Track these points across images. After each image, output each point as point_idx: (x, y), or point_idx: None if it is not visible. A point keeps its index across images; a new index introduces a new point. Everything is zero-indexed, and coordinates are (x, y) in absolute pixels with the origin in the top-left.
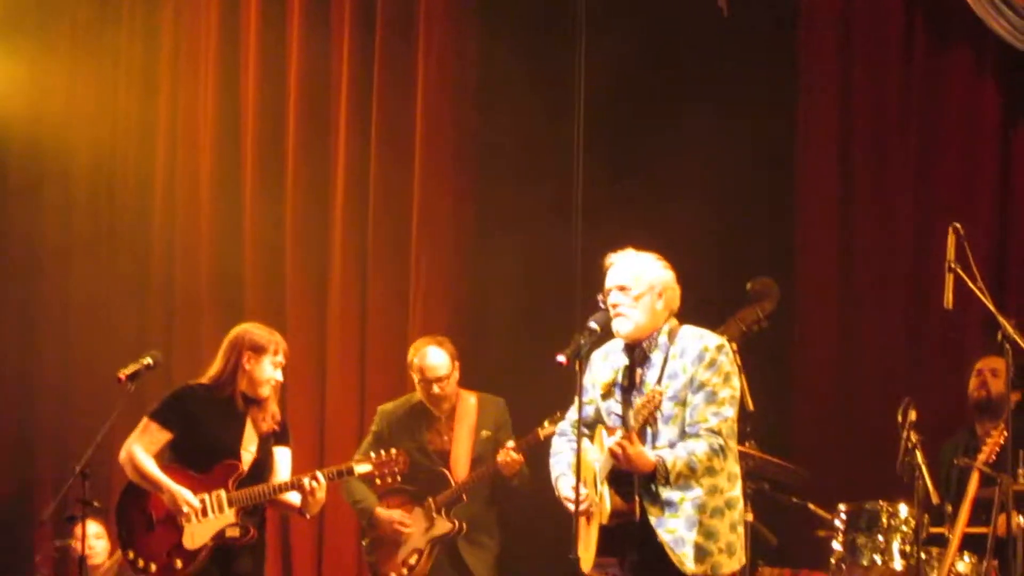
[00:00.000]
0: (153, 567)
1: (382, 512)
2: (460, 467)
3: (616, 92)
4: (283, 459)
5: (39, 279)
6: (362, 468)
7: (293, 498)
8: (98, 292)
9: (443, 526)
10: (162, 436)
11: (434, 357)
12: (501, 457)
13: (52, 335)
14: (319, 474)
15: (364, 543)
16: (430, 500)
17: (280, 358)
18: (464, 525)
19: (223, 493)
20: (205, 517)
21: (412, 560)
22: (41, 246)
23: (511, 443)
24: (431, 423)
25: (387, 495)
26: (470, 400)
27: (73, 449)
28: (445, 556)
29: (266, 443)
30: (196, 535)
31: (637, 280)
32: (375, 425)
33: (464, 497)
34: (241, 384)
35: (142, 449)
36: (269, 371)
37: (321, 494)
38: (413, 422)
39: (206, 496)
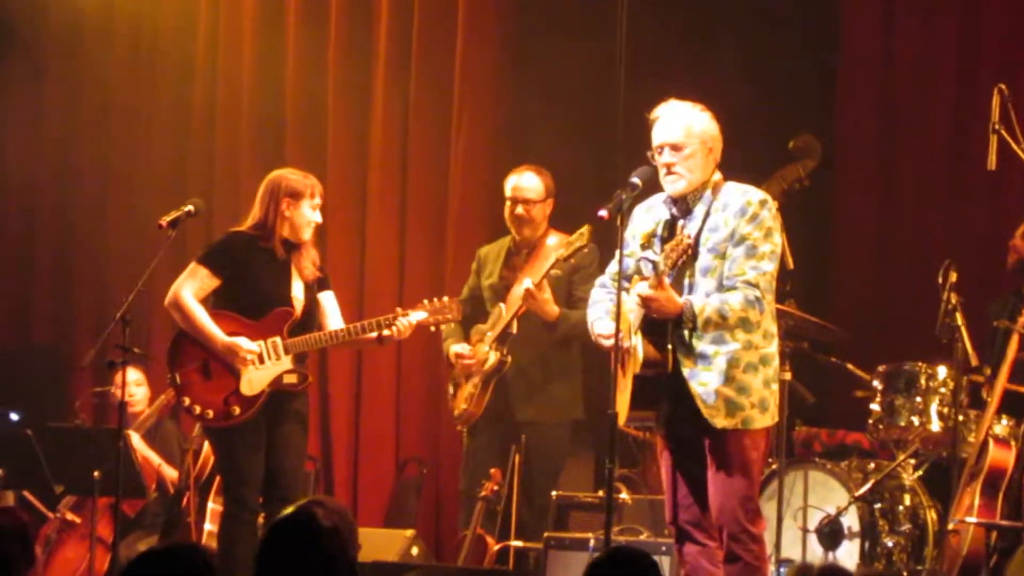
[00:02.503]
0: (211, 413)
1: (452, 348)
2: (515, 301)
3: None
4: (330, 303)
5: (80, 121)
6: (417, 315)
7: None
8: (139, 138)
9: (492, 359)
10: (211, 282)
11: (527, 179)
12: (517, 290)
13: (92, 178)
14: (374, 322)
15: (450, 386)
16: (489, 334)
17: (317, 200)
18: (508, 359)
19: (279, 340)
20: (263, 364)
21: (469, 393)
22: (81, 90)
23: (530, 279)
24: (512, 259)
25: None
26: (552, 239)
27: (114, 295)
28: (498, 399)
29: (311, 289)
30: (254, 381)
31: (689, 137)
32: (473, 264)
33: (514, 329)
34: (283, 231)
35: (191, 295)
36: (309, 214)
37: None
38: (495, 258)
39: (262, 342)
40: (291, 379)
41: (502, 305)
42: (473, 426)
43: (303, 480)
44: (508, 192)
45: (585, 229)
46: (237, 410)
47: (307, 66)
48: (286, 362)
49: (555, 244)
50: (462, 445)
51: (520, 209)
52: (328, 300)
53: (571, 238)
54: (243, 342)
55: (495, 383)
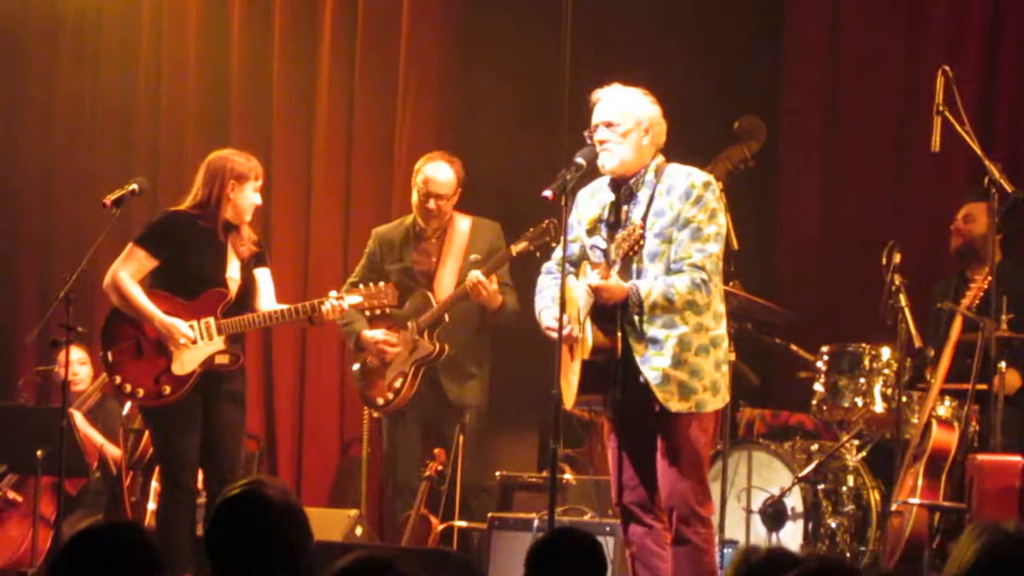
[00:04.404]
0: (141, 392)
1: (367, 333)
2: (444, 289)
3: None
4: (264, 281)
5: (25, 103)
6: (352, 299)
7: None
8: (84, 119)
9: (425, 348)
10: (149, 263)
11: (443, 172)
12: (469, 280)
13: (37, 158)
14: (308, 305)
15: (354, 369)
16: (412, 322)
17: (260, 182)
18: (446, 347)
19: (212, 320)
20: (195, 344)
21: (397, 383)
22: (27, 74)
23: (478, 271)
24: (420, 244)
25: (374, 319)
26: (463, 223)
27: (58, 274)
28: (426, 383)
29: (248, 267)
30: (186, 362)
31: (624, 116)
32: (368, 246)
33: (446, 318)
34: (226, 213)
35: (129, 276)
36: (252, 197)
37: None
38: (402, 243)
39: (195, 323)
40: (223, 359)
41: (427, 292)
42: (395, 413)
43: (241, 460)
44: (419, 182)
45: (547, 224)
46: (168, 390)
47: (252, 47)
48: (219, 342)
49: (467, 229)
50: (380, 433)
51: (432, 204)
52: (263, 277)
53: (534, 231)
54: (180, 325)
55: (424, 370)
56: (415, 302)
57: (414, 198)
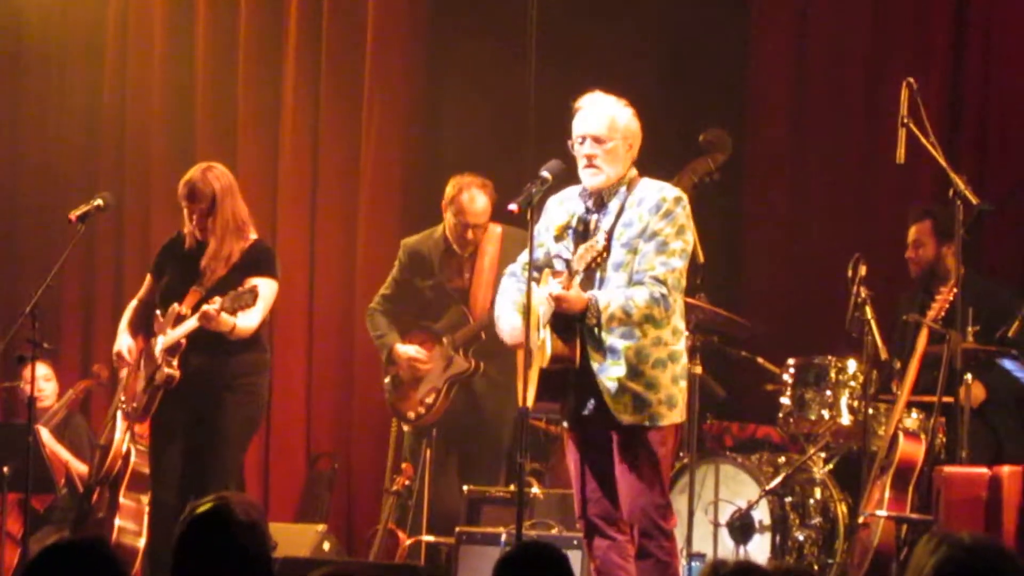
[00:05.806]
0: (127, 409)
1: (400, 348)
2: (480, 304)
3: None
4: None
5: None
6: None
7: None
8: (48, 133)
9: (459, 365)
10: (154, 286)
11: (479, 202)
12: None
13: (1, 173)
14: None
15: (386, 381)
16: (446, 338)
17: (187, 204)
18: (481, 365)
19: (162, 338)
20: (151, 362)
21: (429, 399)
22: None
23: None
24: (451, 260)
25: (409, 332)
26: (495, 231)
27: (23, 290)
28: (462, 396)
29: (221, 282)
30: (142, 381)
31: (612, 131)
32: (398, 258)
33: (483, 336)
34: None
35: (137, 300)
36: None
37: (215, 326)
38: (432, 258)
39: (157, 339)
40: (160, 376)
41: (463, 308)
42: (424, 429)
43: (219, 476)
44: (454, 212)
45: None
46: (130, 408)
47: (217, 60)
48: (159, 359)
49: (498, 239)
50: (400, 444)
51: (471, 234)
52: (260, 287)
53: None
54: (120, 349)
55: (457, 387)
56: (451, 318)
57: (448, 222)
